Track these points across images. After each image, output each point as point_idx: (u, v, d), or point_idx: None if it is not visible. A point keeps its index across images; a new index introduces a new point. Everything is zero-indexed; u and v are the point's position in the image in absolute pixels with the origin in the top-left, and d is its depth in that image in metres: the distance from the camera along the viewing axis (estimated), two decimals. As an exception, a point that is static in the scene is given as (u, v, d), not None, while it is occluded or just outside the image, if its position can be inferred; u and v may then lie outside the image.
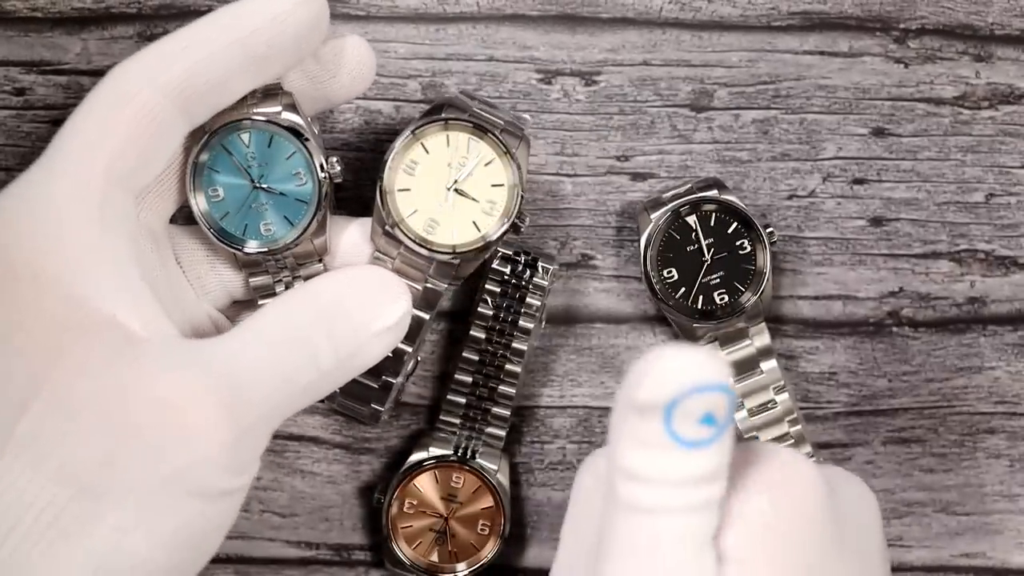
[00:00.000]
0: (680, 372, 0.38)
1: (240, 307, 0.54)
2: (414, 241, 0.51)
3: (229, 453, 0.43)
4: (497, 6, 0.57)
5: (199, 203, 0.50)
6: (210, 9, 0.55)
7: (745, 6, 0.58)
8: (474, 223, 0.52)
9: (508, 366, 0.55)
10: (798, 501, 0.43)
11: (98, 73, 0.56)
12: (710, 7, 0.58)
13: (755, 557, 0.42)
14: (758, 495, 0.42)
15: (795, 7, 0.58)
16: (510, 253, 0.55)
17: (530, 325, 0.55)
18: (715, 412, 0.39)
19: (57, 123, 0.56)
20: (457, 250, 0.51)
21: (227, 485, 0.43)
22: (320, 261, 0.52)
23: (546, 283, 0.55)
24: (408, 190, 0.51)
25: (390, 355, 0.48)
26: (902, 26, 0.58)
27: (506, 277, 0.55)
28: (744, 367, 0.55)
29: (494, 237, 0.51)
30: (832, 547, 0.43)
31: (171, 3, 0.57)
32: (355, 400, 0.54)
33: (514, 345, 0.55)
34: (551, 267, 0.55)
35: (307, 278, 0.52)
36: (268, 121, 0.49)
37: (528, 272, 0.55)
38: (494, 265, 0.55)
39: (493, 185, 0.52)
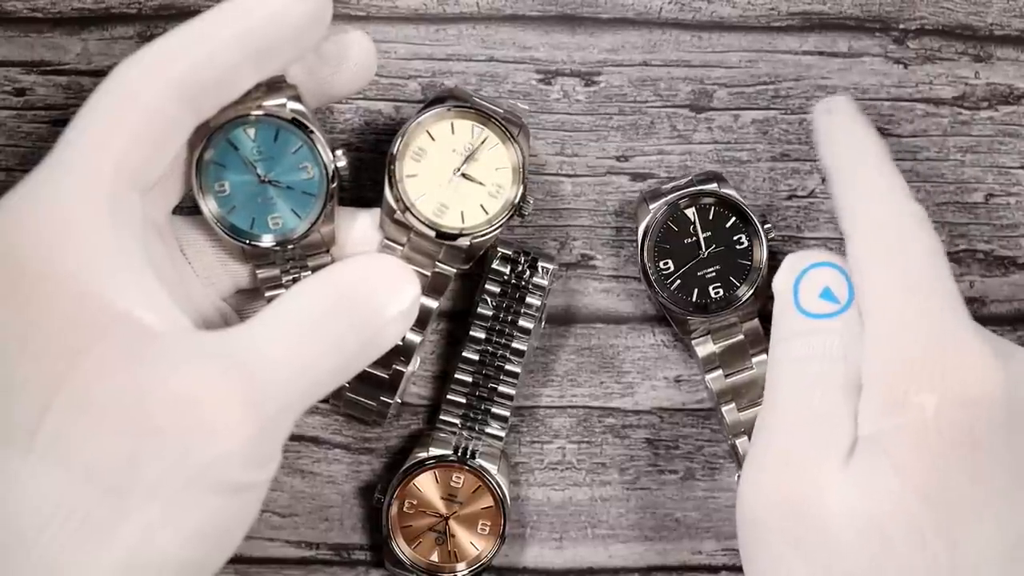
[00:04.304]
0: (797, 259, 0.51)
1: (244, 296, 0.54)
2: (425, 224, 0.52)
3: (252, 446, 0.43)
4: (497, 6, 0.57)
5: (209, 205, 0.50)
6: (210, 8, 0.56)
7: (745, 6, 0.58)
8: (481, 206, 0.52)
9: (508, 366, 0.55)
10: (968, 414, 0.46)
11: (98, 73, 0.56)
12: (710, 7, 0.58)
13: (902, 451, 0.46)
14: (928, 394, 0.46)
15: (795, 7, 0.58)
16: (510, 253, 0.55)
17: (530, 325, 0.55)
18: (832, 287, 0.50)
19: (57, 123, 0.56)
20: (466, 232, 0.52)
21: (250, 478, 0.43)
22: (327, 251, 0.52)
23: (546, 283, 0.55)
24: (416, 176, 0.52)
25: (399, 343, 0.49)
26: (901, 26, 0.58)
27: (506, 277, 0.55)
28: (735, 361, 0.55)
29: (501, 219, 0.52)
30: (991, 463, 0.46)
31: (171, 3, 0.57)
32: (364, 395, 0.54)
33: (514, 345, 0.55)
34: (551, 267, 0.55)
35: (315, 269, 0.52)
36: (273, 115, 0.49)
37: (528, 272, 0.55)
38: (494, 265, 0.55)
39: (498, 169, 0.53)
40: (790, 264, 0.52)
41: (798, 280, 0.51)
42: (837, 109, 0.52)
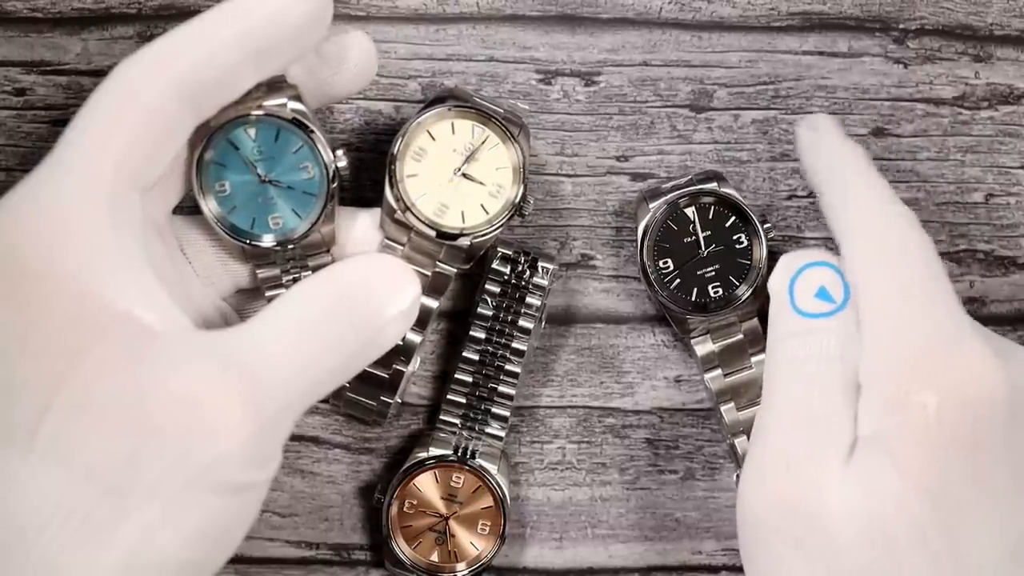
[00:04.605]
0: (792, 259, 0.51)
1: (244, 296, 0.54)
2: (426, 224, 0.52)
3: (252, 446, 0.43)
4: (497, 6, 0.57)
5: (209, 205, 0.50)
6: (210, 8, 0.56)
7: (745, 6, 0.58)
8: (482, 206, 0.52)
9: (508, 366, 0.55)
10: (970, 413, 0.46)
11: (98, 73, 0.56)
12: (710, 7, 0.58)
13: (903, 449, 0.46)
14: (929, 392, 0.46)
15: (795, 7, 0.58)
16: (510, 253, 0.55)
17: (530, 325, 0.55)
18: (828, 287, 0.50)
19: (57, 123, 0.56)
20: (466, 232, 0.52)
21: (250, 478, 0.44)
22: (328, 251, 0.52)
23: (546, 283, 0.55)
24: (416, 175, 0.52)
25: (400, 343, 0.49)
26: (902, 26, 0.58)
27: (506, 277, 0.55)
28: (734, 361, 0.55)
29: (501, 218, 0.52)
30: (993, 463, 0.46)
31: (171, 3, 0.57)
32: (364, 395, 0.54)
33: (514, 345, 0.55)
34: (551, 267, 0.55)
35: (315, 268, 0.52)
36: (274, 115, 0.49)
37: (528, 272, 0.55)
38: (494, 265, 0.55)
39: (498, 168, 0.53)
40: (785, 264, 0.52)
41: (793, 280, 0.51)
42: (820, 126, 0.51)
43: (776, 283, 0.52)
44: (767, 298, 0.53)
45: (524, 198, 0.52)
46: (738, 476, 0.55)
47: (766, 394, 0.51)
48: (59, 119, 0.57)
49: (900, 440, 0.46)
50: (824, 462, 0.47)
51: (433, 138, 0.52)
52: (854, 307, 0.50)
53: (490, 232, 0.52)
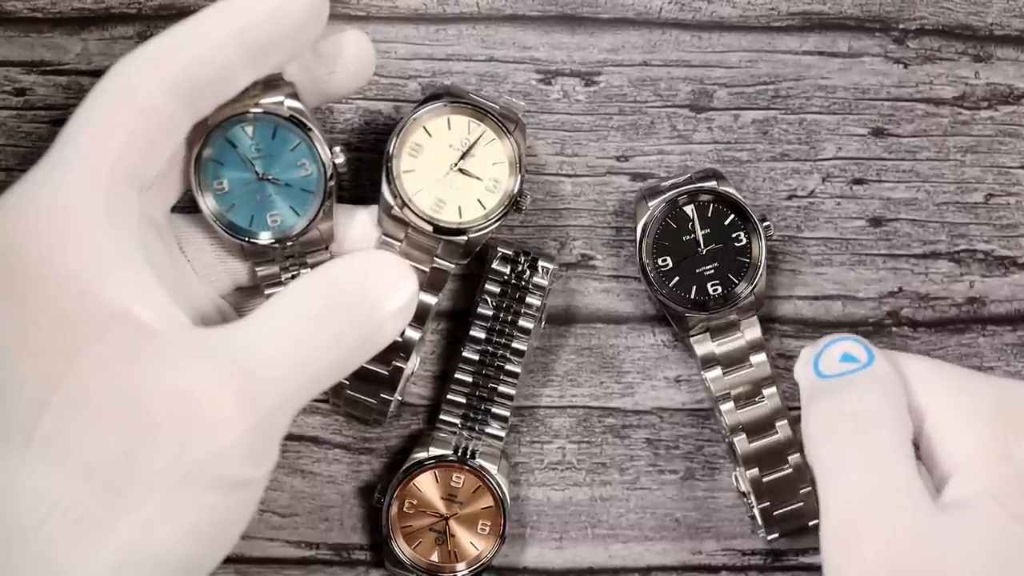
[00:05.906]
0: (810, 349, 0.51)
1: (243, 294, 0.54)
2: (423, 219, 0.52)
3: (249, 442, 0.43)
4: (497, 6, 0.58)
5: (207, 202, 0.50)
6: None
7: (745, 6, 0.58)
8: (479, 200, 0.53)
9: (508, 366, 0.55)
10: None
11: (98, 73, 0.56)
12: (710, 7, 0.58)
13: (1017, 497, 0.46)
14: None
15: (795, 7, 0.58)
16: (510, 253, 0.55)
17: (530, 325, 0.55)
18: (850, 351, 0.50)
19: (57, 123, 0.56)
20: (463, 226, 0.52)
21: (247, 474, 0.43)
22: (326, 249, 0.52)
23: (546, 283, 0.55)
24: (413, 171, 0.52)
25: (398, 339, 0.49)
26: (901, 26, 0.58)
27: (506, 277, 0.55)
28: (734, 360, 0.55)
29: (498, 213, 0.52)
30: None
31: (171, 3, 0.57)
32: (364, 393, 0.54)
33: (514, 345, 0.55)
34: (551, 267, 0.55)
35: (314, 266, 0.52)
36: (271, 113, 0.49)
37: (528, 272, 0.55)
38: (494, 265, 0.55)
39: (494, 163, 0.53)
40: (806, 354, 0.51)
41: (817, 359, 0.51)
42: None
43: (801, 368, 0.51)
44: (767, 297, 0.53)
45: (521, 192, 0.52)
46: (736, 476, 0.55)
47: (818, 468, 0.49)
48: (59, 119, 0.57)
49: (1012, 489, 0.46)
50: (908, 522, 0.46)
51: (429, 134, 0.52)
52: (884, 360, 0.49)
53: (487, 226, 0.52)
